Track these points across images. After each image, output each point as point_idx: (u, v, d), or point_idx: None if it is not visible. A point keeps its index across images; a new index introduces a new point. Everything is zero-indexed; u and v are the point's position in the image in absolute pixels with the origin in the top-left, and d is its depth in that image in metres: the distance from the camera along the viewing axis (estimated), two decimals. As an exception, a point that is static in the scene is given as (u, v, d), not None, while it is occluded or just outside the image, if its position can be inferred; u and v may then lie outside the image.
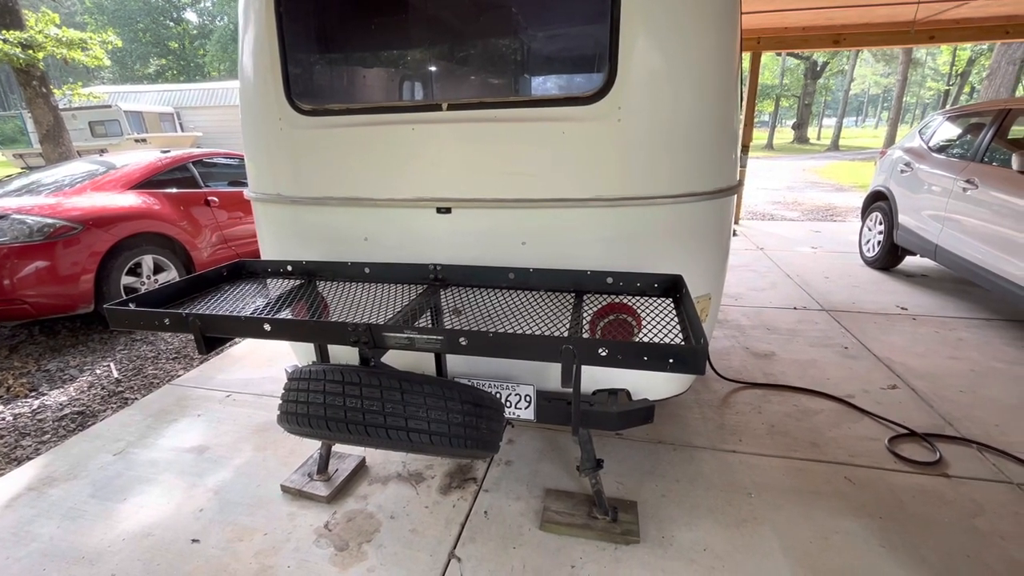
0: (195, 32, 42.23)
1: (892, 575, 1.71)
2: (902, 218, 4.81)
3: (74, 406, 2.98)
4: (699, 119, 1.84)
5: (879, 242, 5.24)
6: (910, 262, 5.32)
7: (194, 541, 1.90)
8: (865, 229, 5.61)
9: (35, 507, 2.09)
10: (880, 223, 5.25)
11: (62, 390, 3.17)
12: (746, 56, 7.27)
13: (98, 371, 3.42)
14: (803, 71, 32.09)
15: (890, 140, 21.70)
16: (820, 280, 4.95)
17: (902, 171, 4.95)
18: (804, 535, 1.88)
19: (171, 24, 41.15)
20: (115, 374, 3.37)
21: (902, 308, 4.16)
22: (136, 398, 3.03)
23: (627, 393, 2.09)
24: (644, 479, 2.19)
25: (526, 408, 1.93)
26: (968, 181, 3.91)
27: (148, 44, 39.75)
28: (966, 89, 31.14)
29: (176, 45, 40.97)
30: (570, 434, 2.49)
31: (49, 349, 3.78)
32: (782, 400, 2.80)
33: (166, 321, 1.58)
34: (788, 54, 29.60)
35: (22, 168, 13.70)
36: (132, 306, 1.66)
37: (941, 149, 4.59)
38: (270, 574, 1.75)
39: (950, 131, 4.64)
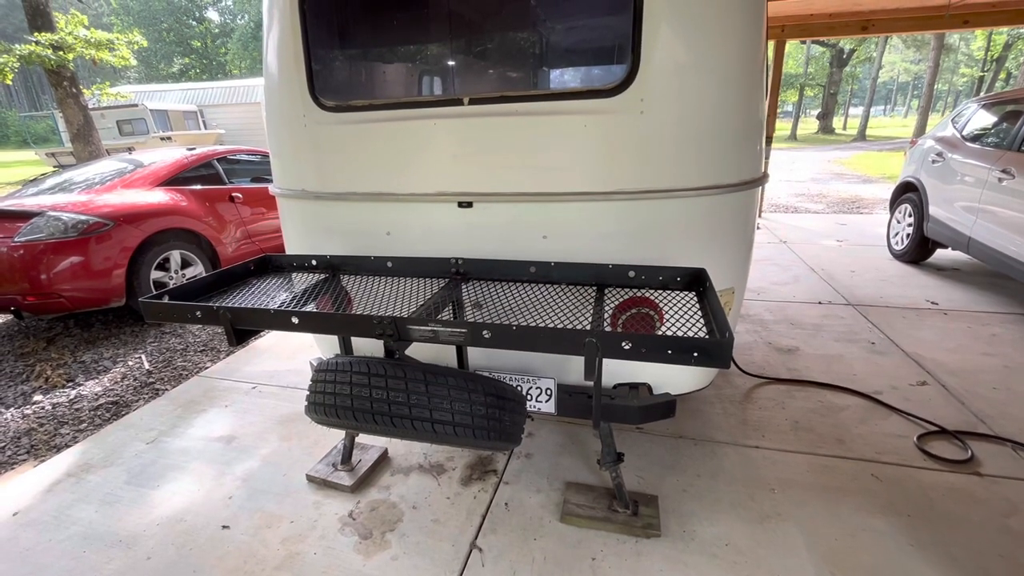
0: (217, 31, 42.97)
1: (921, 574, 1.68)
2: (933, 210, 4.66)
3: (108, 396, 3.09)
4: (723, 110, 1.81)
5: (908, 235, 5.09)
6: (941, 255, 5.16)
7: (224, 527, 1.96)
8: (894, 221, 5.46)
9: (74, 492, 2.18)
10: (910, 215, 5.10)
11: (97, 381, 3.29)
12: (770, 45, 7.10)
13: (130, 363, 3.53)
14: (829, 59, 31.18)
15: (920, 129, 20.99)
16: (846, 274, 4.83)
17: (934, 161, 4.79)
18: (829, 532, 1.85)
19: (194, 23, 41.96)
20: (146, 366, 3.48)
21: (932, 303, 4.04)
22: (167, 389, 3.12)
23: (648, 387, 2.08)
24: (665, 473, 2.18)
25: (547, 401, 1.94)
26: (1004, 171, 3.77)
27: (172, 43, 40.62)
28: (1002, 75, 29.89)
29: (199, 44, 41.75)
30: (590, 428, 2.49)
31: (84, 341, 3.92)
32: (806, 396, 2.75)
33: (198, 314, 1.62)
34: (813, 42, 28.80)
35: (54, 167, 14.15)
36: (166, 299, 1.71)
37: (976, 138, 4.43)
38: (297, 560, 1.80)
39: (985, 119, 4.48)
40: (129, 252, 3.87)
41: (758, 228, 6.92)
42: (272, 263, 2.25)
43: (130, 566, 1.80)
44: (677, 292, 1.85)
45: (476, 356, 2.17)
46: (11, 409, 2.97)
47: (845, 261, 5.27)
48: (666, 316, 1.89)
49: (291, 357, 3.41)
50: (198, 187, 4.56)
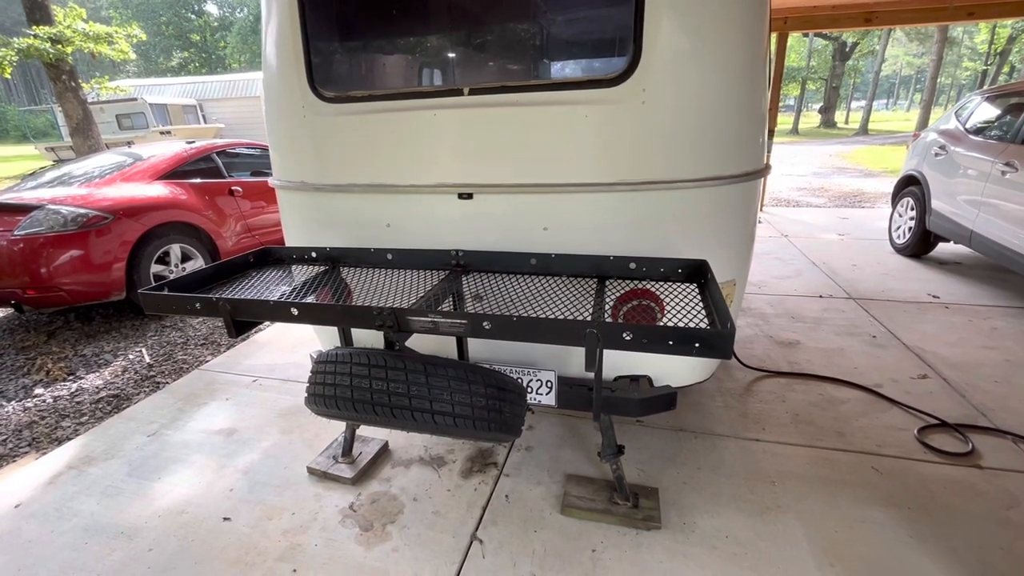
0: (216, 24, 42.73)
1: (921, 566, 1.68)
2: (935, 203, 4.65)
3: (109, 389, 3.09)
4: (725, 101, 1.79)
5: (910, 228, 5.07)
6: (943, 249, 5.15)
7: (225, 519, 1.97)
8: (895, 215, 5.44)
9: (76, 485, 2.18)
10: (911, 209, 5.08)
11: (98, 374, 3.29)
12: (772, 37, 7.05)
13: (131, 356, 3.54)
14: (831, 52, 30.98)
15: (923, 123, 20.88)
16: (847, 268, 4.82)
17: (936, 154, 4.77)
18: (829, 524, 1.86)
19: (193, 17, 41.72)
20: (147, 359, 3.48)
21: (934, 296, 4.03)
22: (167, 382, 3.13)
23: (649, 380, 2.08)
24: (665, 466, 2.19)
25: (547, 394, 1.94)
26: (1007, 164, 3.75)
27: (171, 37, 40.43)
28: (1005, 69, 29.72)
29: (198, 38, 41.55)
30: (591, 420, 2.49)
31: (84, 335, 3.92)
32: (807, 389, 2.75)
33: (197, 305, 1.62)
34: (816, 34, 28.61)
35: (54, 161, 14.13)
36: (165, 291, 1.71)
37: (979, 131, 4.40)
38: (298, 552, 1.80)
39: (988, 112, 4.45)
40: (129, 246, 3.86)
41: (759, 222, 6.90)
42: (272, 255, 2.24)
43: (132, 557, 1.80)
44: (678, 284, 1.85)
45: (477, 348, 2.17)
46: (12, 402, 2.97)
47: (846, 255, 5.26)
48: (667, 308, 1.88)
49: (292, 350, 3.41)
50: (198, 181, 4.55)
